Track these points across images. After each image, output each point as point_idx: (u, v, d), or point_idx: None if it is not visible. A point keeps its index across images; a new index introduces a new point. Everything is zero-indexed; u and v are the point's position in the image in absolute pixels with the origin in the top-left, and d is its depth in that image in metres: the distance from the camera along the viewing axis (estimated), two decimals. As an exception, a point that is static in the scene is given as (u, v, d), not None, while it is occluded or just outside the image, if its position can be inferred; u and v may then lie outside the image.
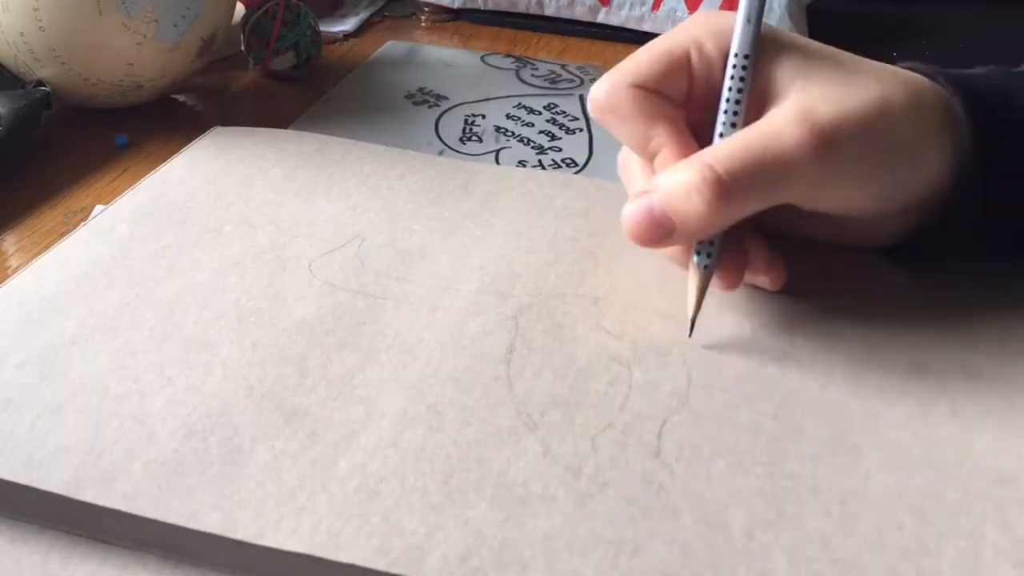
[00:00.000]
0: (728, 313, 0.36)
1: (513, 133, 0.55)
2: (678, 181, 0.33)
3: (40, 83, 0.52)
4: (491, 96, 0.60)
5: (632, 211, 0.34)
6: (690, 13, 0.69)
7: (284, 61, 0.62)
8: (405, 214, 0.42)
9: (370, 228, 0.41)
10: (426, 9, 0.75)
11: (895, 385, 0.33)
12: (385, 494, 0.28)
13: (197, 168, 0.45)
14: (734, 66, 0.35)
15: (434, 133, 0.55)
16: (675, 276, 0.38)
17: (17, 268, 0.42)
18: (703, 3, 0.69)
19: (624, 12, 0.70)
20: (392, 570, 0.26)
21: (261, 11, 0.61)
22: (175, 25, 0.52)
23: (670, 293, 0.37)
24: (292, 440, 0.30)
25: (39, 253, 0.41)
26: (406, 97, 0.59)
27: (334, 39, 0.70)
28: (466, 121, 0.56)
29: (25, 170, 0.50)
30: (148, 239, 0.40)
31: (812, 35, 0.67)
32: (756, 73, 0.35)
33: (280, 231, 0.41)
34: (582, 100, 0.59)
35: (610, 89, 0.36)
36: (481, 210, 0.43)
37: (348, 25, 0.72)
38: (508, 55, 0.67)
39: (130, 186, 0.44)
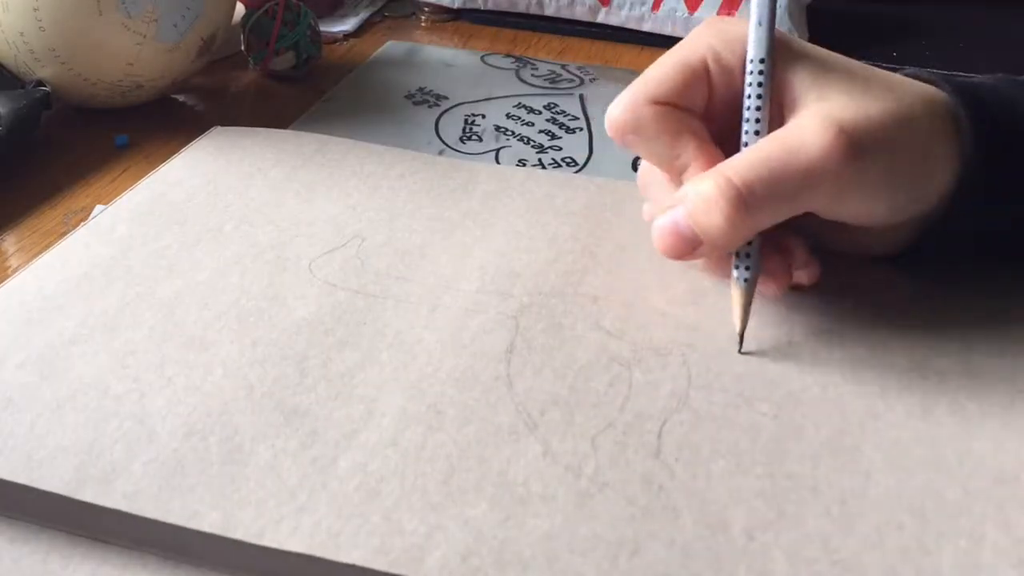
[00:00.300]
0: (728, 314, 0.36)
1: (513, 132, 0.55)
2: (699, 192, 0.32)
3: (40, 83, 0.52)
4: (491, 96, 0.60)
5: (660, 225, 0.34)
6: (690, 13, 0.69)
7: (284, 61, 0.62)
8: (405, 214, 0.42)
9: (370, 228, 0.41)
10: (426, 9, 0.75)
11: (895, 385, 0.33)
12: (385, 493, 0.28)
13: (197, 168, 0.45)
14: (751, 72, 0.34)
15: (434, 133, 0.55)
16: (675, 275, 0.38)
17: (17, 268, 0.42)
18: (703, 3, 0.69)
19: (624, 12, 0.70)
20: (392, 570, 0.26)
21: (261, 11, 0.61)
22: (175, 25, 0.52)
23: (670, 293, 0.37)
24: (292, 439, 0.30)
25: (39, 253, 0.41)
26: (406, 97, 0.59)
27: (334, 39, 0.70)
28: (466, 121, 0.56)
29: (25, 170, 0.50)
30: (148, 239, 0.40)
31: (812, 35, 0.68)
32: (773, 80, 0.34)
33: (280, 231, 0.41)
34: (582, 100, 0.59)
35: (630, 108, 0.34)
36: (481, 209, 0.43)
37: (348, 25, 0.72)
38: (508, 55, 0.67)
39: (130, 186, 0.44)
